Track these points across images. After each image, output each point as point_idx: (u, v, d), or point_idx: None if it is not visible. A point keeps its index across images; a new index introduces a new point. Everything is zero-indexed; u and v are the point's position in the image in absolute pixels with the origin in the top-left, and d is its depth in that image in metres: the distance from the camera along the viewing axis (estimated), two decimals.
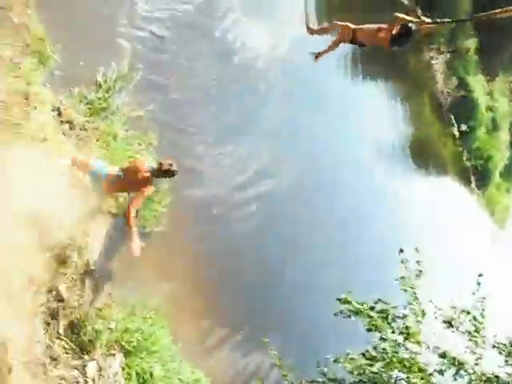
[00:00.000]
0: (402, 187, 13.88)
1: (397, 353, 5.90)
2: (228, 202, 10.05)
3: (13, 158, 5.78)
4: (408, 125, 15.81)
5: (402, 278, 6.28)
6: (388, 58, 14.49)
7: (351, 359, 6.16)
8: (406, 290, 6.20)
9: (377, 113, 14.75)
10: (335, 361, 6.38)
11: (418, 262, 6.42)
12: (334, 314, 6.45)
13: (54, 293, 6.34)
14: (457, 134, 17.09)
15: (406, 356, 6.04)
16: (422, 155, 16.10)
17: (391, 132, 15.27)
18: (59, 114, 7.43)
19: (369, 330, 6.18)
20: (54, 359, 5.91)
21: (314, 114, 12.35)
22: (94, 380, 6.24)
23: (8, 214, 5.57)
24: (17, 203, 5.72)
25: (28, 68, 6.80)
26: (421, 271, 6.33)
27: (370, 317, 6.18)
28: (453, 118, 17.12)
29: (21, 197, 5.76)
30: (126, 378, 6.61)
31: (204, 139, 10.14)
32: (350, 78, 14.52)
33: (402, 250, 6.57)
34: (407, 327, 6.11)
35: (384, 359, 5.92)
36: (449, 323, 6.19)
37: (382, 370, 5.91)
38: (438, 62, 17.05)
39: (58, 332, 6.22)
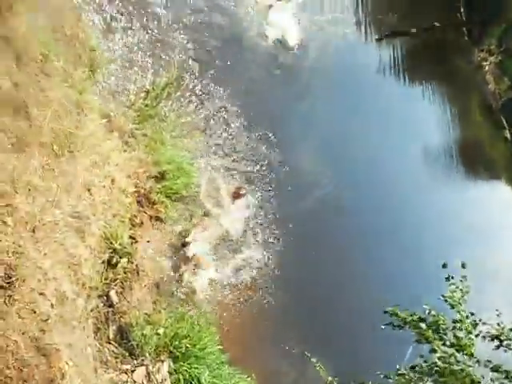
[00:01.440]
0: (449, 192, 13.51)
1: (450, 364, 5.72)
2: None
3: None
4: (456, 128, 15.40)
5: (447, 296, 6.07)
6: (434, 61, 14.24)
7: (400, 375, 5.99)
8: (453, 307, 5.99)
9: (423, 116, 14.46)
10: (385, 377, 6.22)
11: (462, 278, 6.16)
12: (383, 326, 6.30)
13: (105, 298, 6.49)
14: (509, 136, 16.54)
15: (457, 368, 5.85)
16: (471, 159, 15.64)
17: (438, 135, 14.91)
18: (109, 122, 7.58)
19: (418, 341, 6.02)
20: (104, 363, 6.02)
21: (359, 116, 12.23)
22: None
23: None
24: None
25: (80, 77, 6.96)
26: (467, 287, 6.10)
27: (419, 328, 6.02)
28: (504, 120, 16.60)
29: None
30: (173, 383, 6.66)
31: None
32: (395, 81, 14.27)
33: (444, 266, 6.32)
34: (458, 338, 5.92)
35: (435, 372, 5.76)
36: (498, 339, 5.93)
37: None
38: (489, 63, 16.59)
39: (107, 337, 6.34)
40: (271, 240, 9.53)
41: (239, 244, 9.18)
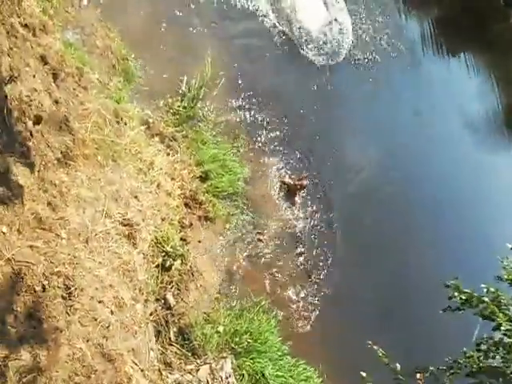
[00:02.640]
0: (498, 162, 13.08)
1: None
2: None
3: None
4: (498, 96, 14.93)
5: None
6: (471, 28, 13.86)
7: (468, 357, 5.79)
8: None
9: (463, 86, 14.11)
10: (454, 362, 6.02)
11: None
12: (443, 310, 6.10)
13: (162, 301, 6.58)
14: None
15: None
16: None
17: (480, 104, 14.50)
18: (148, 128, 7.68)
19: (483, 317, 5.82)
20: (168, 365, 6.11)
21: (398, 91, 12.10)
22: (207, 383, 6.38)
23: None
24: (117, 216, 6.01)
25: (115, 87, 7.08)
26: None
27: (482, 302, 5.82)
28: None
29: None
30: (238, 380, 6.70)
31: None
32: (433, 53, 13.95)
33: None
34: None
35: (503, 348, 5.56)
36: None
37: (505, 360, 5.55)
38: None
39: (169, 339, 6.44)
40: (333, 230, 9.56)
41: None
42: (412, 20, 13.88)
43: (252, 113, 9.63)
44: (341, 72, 11.46)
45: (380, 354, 5.84)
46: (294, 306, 8.58)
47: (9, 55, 4.81)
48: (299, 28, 11.34)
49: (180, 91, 8.63)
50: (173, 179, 7.50)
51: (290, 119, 10.04)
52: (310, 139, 10.22)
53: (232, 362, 6.65)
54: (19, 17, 5.07)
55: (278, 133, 9.81)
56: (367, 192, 10.33)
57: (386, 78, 12.05)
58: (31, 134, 5.04)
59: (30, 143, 5.02)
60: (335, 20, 11.95)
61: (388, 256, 9.85)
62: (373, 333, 7.59)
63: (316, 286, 8.92)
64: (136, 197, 6.54)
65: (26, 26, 5.21)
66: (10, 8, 4.90)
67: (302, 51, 11.20)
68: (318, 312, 8.66)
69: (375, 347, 5.94)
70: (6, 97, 4.68)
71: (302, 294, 8.74)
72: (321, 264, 9.16)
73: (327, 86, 11.06)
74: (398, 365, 5.69)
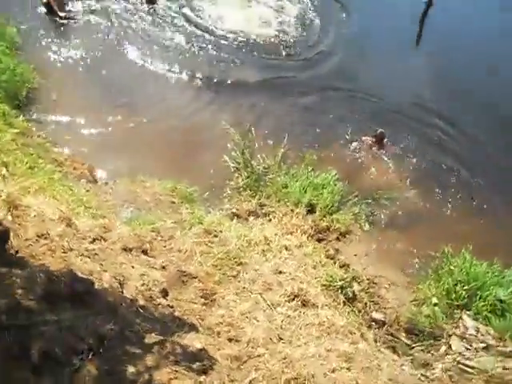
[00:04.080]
0: None
1: None
2: None
3: None
4: None
5: None
6: None
7: None
8: None
9: None
10: None
11: None
12: None
13: (374, 323, 6.66)
14: None
15: None
16: None
17: None
18: (238, 217, 7.96)
19: None
20: (424, 365, 6.09)
21: None
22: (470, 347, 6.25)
23: None
24: None
25: (188, 215, 7.42)
26: None
27: None
28: None
29: None
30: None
31: None
32: None
33: None
34: None
35: None
36: None
37: None
38: None
39: (406, 344, 6.45)
40: None
41: None
42: None
43: None
44: None
45: None
46: None
47: None
48: None
49: (232, 169, 8.92)
50: (291, 233, 7.65)
51: None
52: None
53: (468, 315, 6.51)
54: None
55: None
56: None
57: None
58: (170, 306, 5.36)
59: (176, 312, 5.33)
60: None
61: None
62: None
63: None
64: (280, 272, 6.70)
65: None
66: None
67: None
68: None
69: None
70: None
71: None
72: None
73: None
74: None
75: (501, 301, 6.65)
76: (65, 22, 11.63)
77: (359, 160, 9.77)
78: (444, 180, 9.63)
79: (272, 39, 12.54)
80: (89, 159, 8.60)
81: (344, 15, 13.63)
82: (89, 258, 5.11)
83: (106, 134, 9.37)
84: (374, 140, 9.94)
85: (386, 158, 9.86)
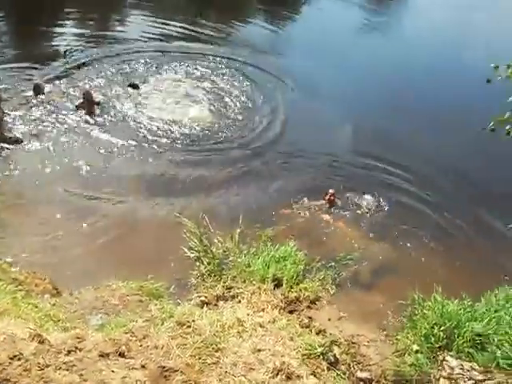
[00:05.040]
0: None
1: None
2: None
3: None
4: None
5: None
6: None
7: None
8: None
9: None
10: None
11: None
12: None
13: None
14: None
15: None
16: None
17: None
18: (207, 305, 7.94)
19: None
20: None
21: None
22: None
23: None
24: None
25: (158, 314, 7.38)
26: None
27: None
28: None
29: None
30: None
31: None
32: None
33: None
34: None
35: None
36: None
37: None
38: None
39: None
40: None
41: None
42: None
43: None
44: None
45: None
46: None
47: None
48: None
49: (193, 258, 8.99)
50: (263, 310, 7.68)
51: None
52: None
53: (451, 356, 6.60)
54: None
55: None
56: None
57: None
58: None
59: None
60: None
61: None
62: None
63: None
64: (259, 350, 6.67)
65: None
66: None
67: None
68: None
69: None
70: None
71: None
72: None
73: None
74: None
75: (479, 334, 6.79)
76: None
77: (315, 224, 10.04)
78: (399, 229, 9.99)
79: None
80: (48, 272, 8.50)
81: None
82: (67, 370, 5.00)
83: (60, 244, 9.32)
84: (325, 201, 10.29)
85: (341, 217, 10.18)
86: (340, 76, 15.96)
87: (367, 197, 10.76)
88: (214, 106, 14.48)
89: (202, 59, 16.66)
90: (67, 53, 16.10)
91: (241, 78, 15.80)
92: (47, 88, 13.80)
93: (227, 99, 14.67)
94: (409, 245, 9.57)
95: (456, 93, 15.12)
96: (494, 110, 6.51)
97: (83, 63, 15.85)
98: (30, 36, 17.06)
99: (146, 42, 17.62)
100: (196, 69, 16.08)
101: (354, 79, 15.93)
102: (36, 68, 14.93)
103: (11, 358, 4.93)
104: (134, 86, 14.45)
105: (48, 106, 13.20)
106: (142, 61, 16.31)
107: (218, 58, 16.70)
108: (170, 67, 16.12)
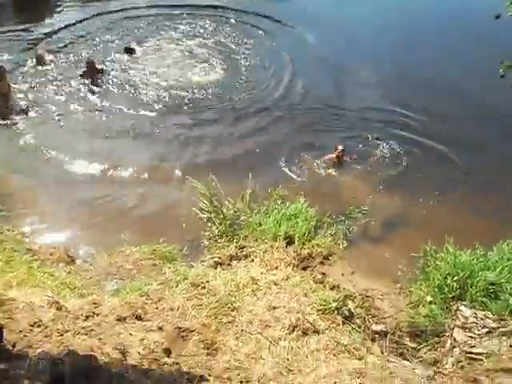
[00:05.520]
0: None
1: None
2: None
3: None
4: None
5: None
6: None
7: None
8: None
9: None
10: None
11: None
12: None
13: (377, 335, 6.73)
14: None
15: None
16: None
17: None
18: (220, 265, 8.01)
19: None
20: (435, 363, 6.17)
21: None
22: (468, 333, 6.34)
23: None
24: None
25: (172, 276, 7.45)
26: None
27: None
28: None
29: None
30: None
31: None
32: None
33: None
34: None
35: None
36: None
37: None
38: None
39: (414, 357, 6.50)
40: None
41: None
42: None
43: None
44: None
45: None
46: None
47: None
48: None
49: (205, 219, 9.02)
50: (276, 268, 7.74)
51: None
52: None
53: (465, 305, 6.63)
54: None
55: None
56: None
57: None
58: (175, 363, 5.35)
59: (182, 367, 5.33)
60: None
61: None
62: None
63: None
64: (274, 307, 6.76)
65: None
66: None
67: None
68: None
69: None
70: None
71: None
72: None
73: None
74: None
75: (492, 283, 6.82)
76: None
77: (325, 181, 10.01)
78: (409, 180, 9.93)
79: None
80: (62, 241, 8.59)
81: None
82: (86, 335, 5.11)
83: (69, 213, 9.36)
84: (335, 157, 10.24)
85: (350, 172, 10.13)
86: (358, 24, 15.53)
87: (378, 149, 10.70)
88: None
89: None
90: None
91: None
92: (49, 57, 13.63)
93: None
94: (420, 197, 9.49)
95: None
96: None
97: (80, 21, 15.78)
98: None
99: None
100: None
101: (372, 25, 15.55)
102: (34, 35, 14.78)
103: (31, 325, 5.04)
104: (130, 50, 14.21)
105: (51, 76, 13.06)
106: (143, 21, 16.00)
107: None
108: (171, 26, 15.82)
